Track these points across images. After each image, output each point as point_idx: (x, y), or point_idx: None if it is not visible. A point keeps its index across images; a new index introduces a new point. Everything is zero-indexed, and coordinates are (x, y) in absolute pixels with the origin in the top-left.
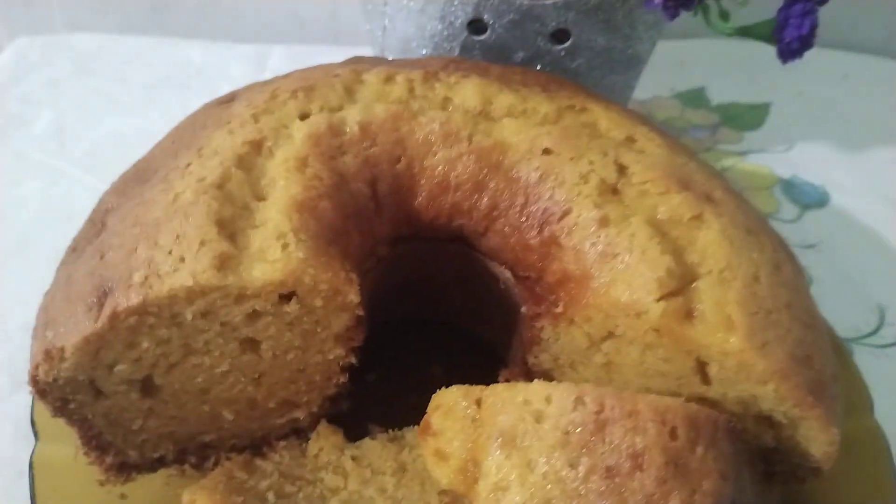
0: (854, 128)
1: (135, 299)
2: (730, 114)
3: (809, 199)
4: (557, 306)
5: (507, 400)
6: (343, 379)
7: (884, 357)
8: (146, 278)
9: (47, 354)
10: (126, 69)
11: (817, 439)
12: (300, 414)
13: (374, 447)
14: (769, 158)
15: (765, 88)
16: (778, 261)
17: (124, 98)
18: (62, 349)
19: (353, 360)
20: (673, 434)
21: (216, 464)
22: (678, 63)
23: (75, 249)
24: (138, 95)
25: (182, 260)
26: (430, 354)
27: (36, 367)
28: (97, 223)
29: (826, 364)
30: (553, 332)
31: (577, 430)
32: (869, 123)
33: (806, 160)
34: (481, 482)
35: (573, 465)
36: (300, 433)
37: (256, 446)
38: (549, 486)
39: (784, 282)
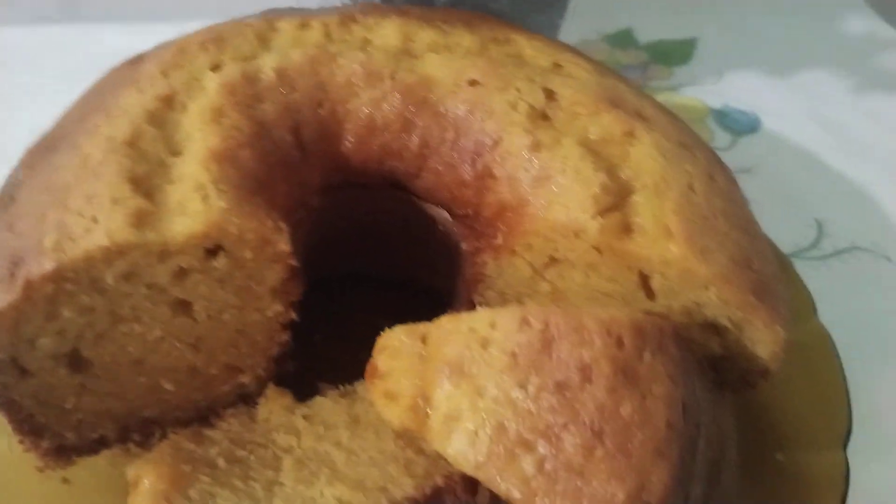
0: (781, 54)
1: (48, 265)
2: (658, 51)
3: (741, 126)
4: (497, 238)
5: (451, 331)
6: (286, 337)
7: (825, 268)
8: (58, 242)
9: None
10: (40, 60)
11: (763, 340)
12: (245, 378)
13: (326, 404)
14: (700, 91)
15: (691, 24)
16: (711, 171)
17: (41, 90)
18: None
19: (294, 315)
20: (619, 343)
21: (162, 440)
22: (604, 5)
23: None
24: (55, 86)
25: (95, 220)
26: (377, 310)
27: None
28: (5, 199)
29: (766, 266)
30: (496, 266)
31: (524, 351)
32: (796, 47)
33: (735, 89)
34: (432, 415)
35: (523, 386)
36: (248, 399)
37: (203, 417)
38: (501, 409)
39: (719, 190)
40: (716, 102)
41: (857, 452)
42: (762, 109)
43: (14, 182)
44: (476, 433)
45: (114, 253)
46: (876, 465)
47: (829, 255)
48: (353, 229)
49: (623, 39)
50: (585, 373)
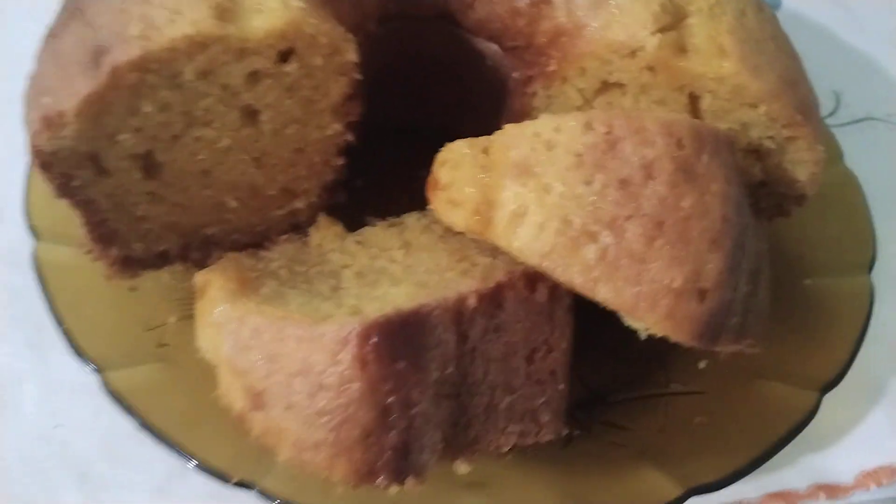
0: None
1: (135, 52)
2: None
3: None
4: (549, 65)
5: (516, 135)
6: (340, 162)
7: (841, 134)
8: (143, 31)
9: (47, 121)
10: None
11: (804, 160)
12: (300, 203)
13: (376, 232)
14: None
15: None
16: (760, 3)
17: None
18: (62, 113)
19: (351, 138)
20: (679, 144)
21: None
22: None
23: (54, 35)
24: None
25: (178, 12)
26: (418, 160)
27: (35, 136)
28: (72, 9)
29: (809, 90)
30: (545, 96)
31: (590, 151)
32: None
33: None
34: (498, 213)
35: (588, 182)
36: (299, 229)
37: (257, 243)
38: (567, 203)
39: (767, 18)
40: None
41: (880, 286)
42: None
43: None
44: (542, 226)
45: (197, 44)
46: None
47: (845, 123)
48: (404, 69)
49: None
50: (648, 170)
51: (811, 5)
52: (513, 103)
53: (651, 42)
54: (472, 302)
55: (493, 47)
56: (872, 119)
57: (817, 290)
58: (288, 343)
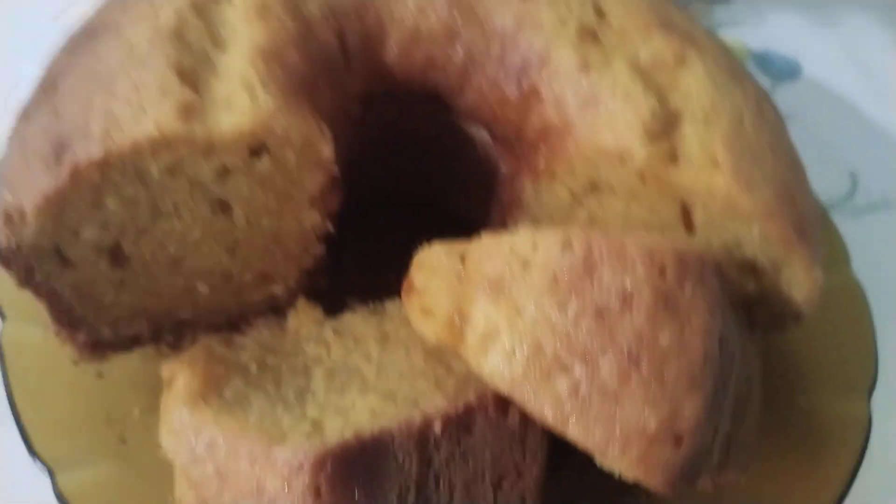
0: None
1: (96, 151)
2: None
3: (782, 71)
4: (538, 161)
5: (492, 250)
6: (320, 250)
7: (857, 222)
8: (106, 129)
9: (7, 217)
10: None
11: (800, 281)
12: (278, 289)
13: (355, 319)
14: (740, 32)
15: None
16: (760, 104)
17: None
18: (21, 211)
19: (330, 228)
20: (662, 272)
21: (193, 343)
22: None
23: (26, 116)
24: None
25: (143, 109)
26: (406, 234)
27: None
28: (47, 88)
29: (808, 204)
30: (534, 191)
31: (566, 274)
32: None
33: (777, 32)
34: (469, 332)
35: (563, 308)
36: (278, 311)
37: (234, 325)
38: (539, 329)
39: (767, 123)
40: (757, 45)
41: (881, 405)
42: (803, 55)
43: (56, 69)
44: (513, 351)
45: (161, 144)
46: None
47: (861, 209)
48: (390, 146)
49: None
50: (626, 299)
51: (833, 72)
52: (501, 193)
53: (640, 152)
54: (437, 427)
55: (482, 134)
56: (890, 206)
57: (812, 410)
58: (241, 461)
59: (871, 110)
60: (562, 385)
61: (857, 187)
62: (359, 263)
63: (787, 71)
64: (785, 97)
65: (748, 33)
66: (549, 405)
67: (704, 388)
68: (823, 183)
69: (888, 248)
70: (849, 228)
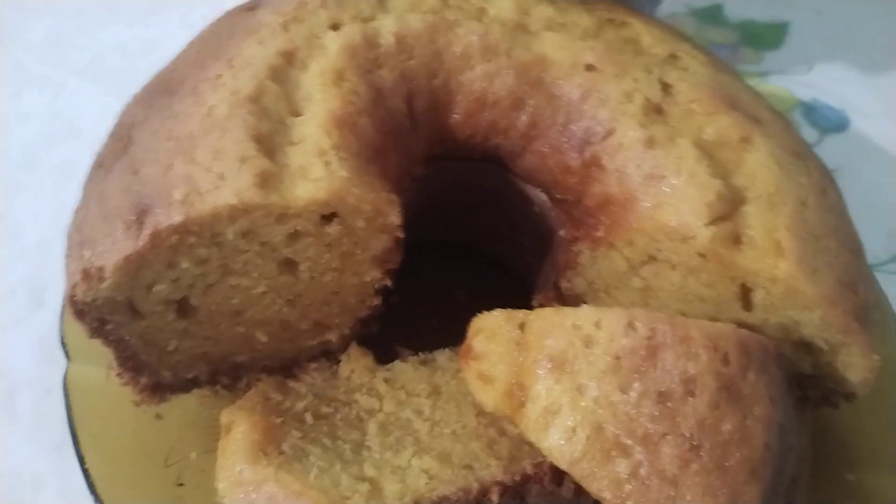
0: (874, 49)
1: (177, 217)
2: (748, 32)
3: (829, 122)
4: (598, 230)
5: (555, 324)
6: (376, 301)
7: None
8: (187, 196)
9: (86, 274)
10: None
11: (857, 365)
12: (332, 336)
13: (406, 370)
14: (789, 80)
15: (782, 7)
16: (824, 185)
17: (124, 5)
18: (101, 269)
19: (389, 282)
20: (725, 360)
21: (248, 385)
22: None
23: (102, 166)
24: (139, 3)
25: (222, 177)
26: (451, 278)
27: (74, 287)
28: (123, 138)
29: (869, 290)
30: (591, 257)
31: (629, 356)
32: (890, 44)
33: (826, 82)
34: (530, 406)
35: (625, 390)
36: (330, 355)
37: (287, 368)
38: (601, 410)
39: (830, 206)
40: (805, 95)
41: None
42: (852, 106)
43: (131, 121)
44: (574, 430)
45: (239, 211)
46: None
47: None
48: (448, 201)
49: (713, 16)
50: (689, 385)
51: (880, 127)
52: (557, 256)
53: (704, 233)
54: (495, 497)
55: (541, 196)
56: None
57: (859, 487)
58: None
59: None
60: (622, 467)
61: None
62: (404, 304)
63: (835, 122)
64: (832, 150)
65: (797, 82)
66: (607, 486)
67: (764, 478)
68: (867, 241)
69: None
70: (893, 288)
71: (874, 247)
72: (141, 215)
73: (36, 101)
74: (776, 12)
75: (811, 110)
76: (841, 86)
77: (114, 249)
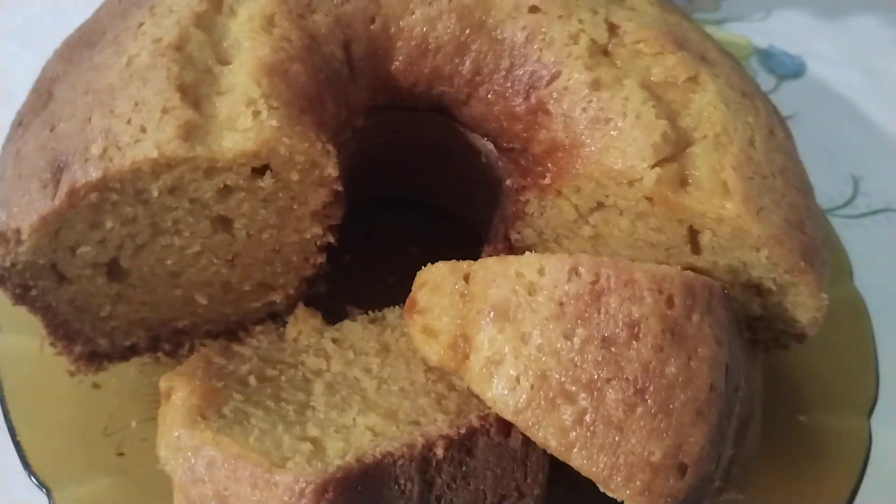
0: None
1: (94, 173)
2: None
3: (786, 69)
4: (544, 177)
5: (498, 273)
6: (321, 259)
7: (857, 227)
8: (105, 150)
9: (2, 237)
10: None
11: (806, 305)
12: (277, 297)
13: (355, 329)
14: (746, 27)
15: None
16: (772, 124)
17: None
18: (18, 231)
19: (332, 239)
20: (669, 302)
21: (191, 351)
22: None
23: (21, 124)
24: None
25: (143, 129)
26: (405, 234)
27: None
28: (42, 94)
29: (817, 229)
30: (539, 206)
31: (573, 301)
32: None
33: (783, 29)
34: (473, 357)
35: (569, 337)
36: (276, 317)
37: (232, 332)
38: (545, 358)
39: (778, 146)
40: (761, 41)
41: (882, 421)
42: (808, 53)
43: (51, 76)
44: (518, 379)
45: (162, 166)
46: None
47: (862, 214)
48: (393, 153)
49: None
50: (633, 329)
51: (838, 74)
52: (505, 205)
53: (650, 175)
54: (440, 450)
55: (488, 145)
56: (891, 210)
57: (813, 427)
58: (242, 484)
59: (873, 114)
60: (566, 414)
61: (857, 191)
62: (357, 263)
63: (791, 69)
64: (789, 96)
65: (753, 29)
66: (553, 434)
67: (710, 419)
68: (825, 186)
69: (889, 252)
70: (849, 232)
71: (831, 191)
72: (57, 172)
73: None
74: None
75: (768, 57)
76: (798, 32)
77: (30, 210)
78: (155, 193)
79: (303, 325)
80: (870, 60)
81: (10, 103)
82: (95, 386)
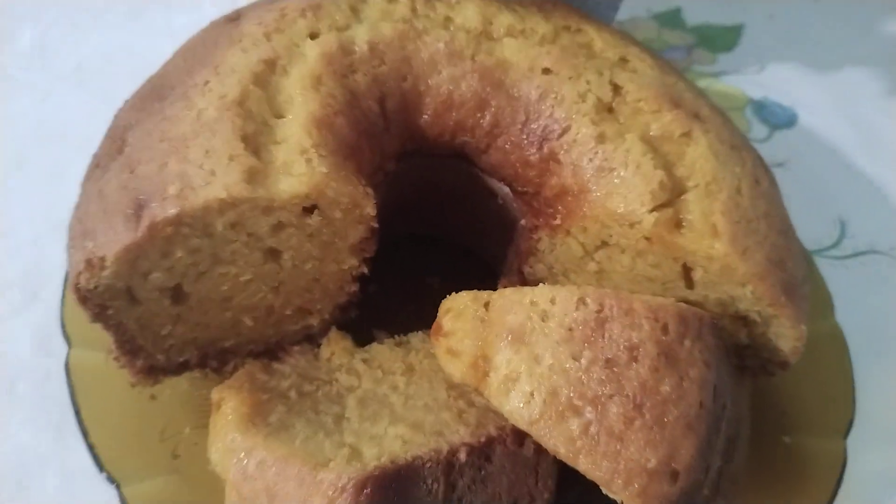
0: (823, 49)
1: (172, 210)
2: (704, 35)
3: (779, 119)
4: (555, 219)
5: (514, 301)
6: (354, 288)
7: (843, 268)
8: (181, 190)
9: (88, 263)
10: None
11: (787, 335)
12: (313, 321)
13: (383, 350)
14: (741, 80)
15: (738, 10)
16: (757, 174)
17: (107, 14)
18: (103, 258)
19: (365, 270)
20: (664, 329)
21: (235, 368)
22: None
23: (98, 166)
24: (121, 11)
25: (213, 173)
26: (426, 267)
27: (77, 276)
28: (117, 140)
29: (797, 267)
30: (549, 243)
31: (580, 327)
32: (838, 46)
33: (776, 81)
34: (492, 375)
35: (576, 358)
36: (311, 339)
37: (272, 352)
38: (555, 376)
39: (762, 193)
40: (756, 93)
41: (857, 442)
42: (800, 104)
43: (124, 124)
44: (531, 395)
45: (228, 205)
46: (872, 455)
47: (848, 255)
48: (419, 194)
49: (672, 19)
50: (633, 352)
51: (827, 124)
52: (519, 243)
53: (648, 218)
54: (462, 456)
55: (504, 189)
56: (875, 252)
57: (795, 449)
58: (289, 483)
59: (860, 161)
60: (574, 425)
61: (844, 234)
62: (383, 292)
63: (784, 119)
64: (781, 144)
65: (748, 81)
66: (562, 442)
67: (699, 432)
68: (813, 228)
69: (872, 292)
70: (835, 273)
71: (819, 234)
72: (139, 209)
73: (24, 107)
74: (731, 15)
75: (761, 108)
76: (790, 84)
77: (114, 240)
78: (219, 228)
79: (335, 347)
80: (857, 111)
81: (65, 141)
82: (152, 397)
